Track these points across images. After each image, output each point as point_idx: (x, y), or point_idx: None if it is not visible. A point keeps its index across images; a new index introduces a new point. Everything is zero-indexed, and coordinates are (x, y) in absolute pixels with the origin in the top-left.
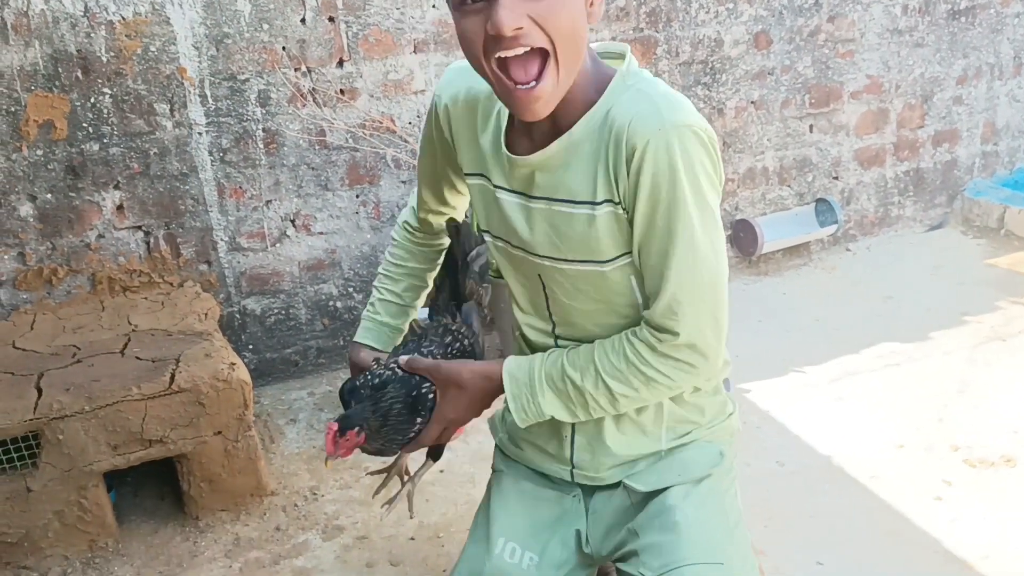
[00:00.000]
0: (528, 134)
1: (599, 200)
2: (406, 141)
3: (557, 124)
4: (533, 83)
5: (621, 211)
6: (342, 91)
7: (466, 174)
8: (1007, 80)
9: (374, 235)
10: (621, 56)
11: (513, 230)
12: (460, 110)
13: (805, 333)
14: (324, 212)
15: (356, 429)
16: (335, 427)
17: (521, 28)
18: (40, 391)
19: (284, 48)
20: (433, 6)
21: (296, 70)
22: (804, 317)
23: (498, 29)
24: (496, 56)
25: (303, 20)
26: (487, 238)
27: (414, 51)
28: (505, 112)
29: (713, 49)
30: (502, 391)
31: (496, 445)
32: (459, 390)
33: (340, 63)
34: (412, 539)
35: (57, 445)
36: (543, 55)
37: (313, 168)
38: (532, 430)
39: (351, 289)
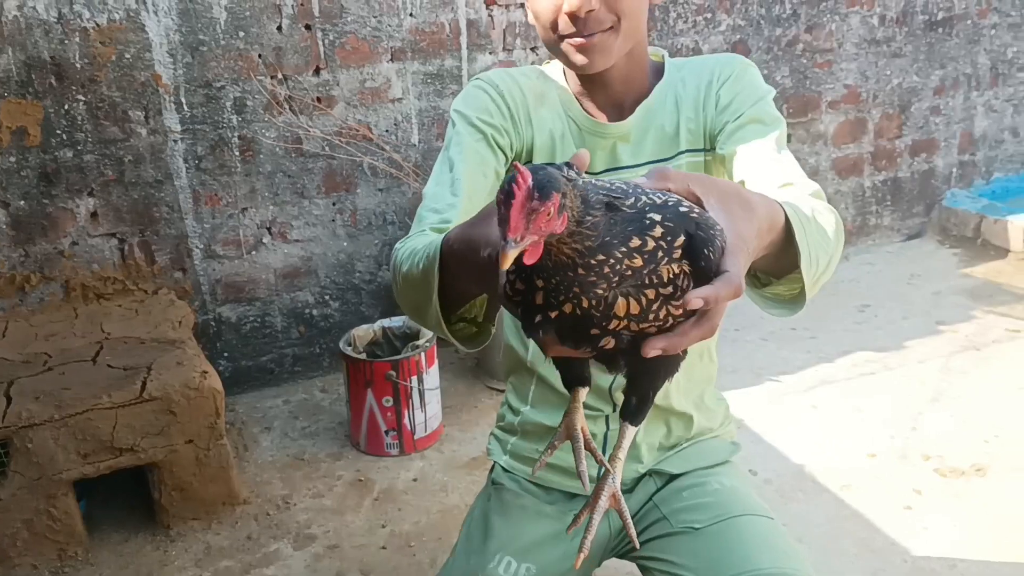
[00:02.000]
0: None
1: (681, 149)
2: (383, 149)
3: (624, 106)
4: (592, 35)
5: (703, 156)
6: (318, 99)
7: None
8: (984, 90)
9: (351, 243)
10: (657, 55)
11: None
12: (523, 94)
13: (781, 342)
14: (300, 220)
15: (560, 196)
16: (530, 179)
17: (593, 8)
18: (9, 399)
19: (260, 56)
20: (411, 15)
21: (272, 78)
22: (780, 325)
23: (573, 8)
24: (562, 34)
25: (279, 28)
26: None
27: (391, 59)
28: (566, 104)
29: None
30: (780, 226)
31: (496, 461)
32: (745, 207)
33: (317, 71)
34: (383, 548)
35: (26, 454)
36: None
37: (289, 176)
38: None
39: (327, 297)
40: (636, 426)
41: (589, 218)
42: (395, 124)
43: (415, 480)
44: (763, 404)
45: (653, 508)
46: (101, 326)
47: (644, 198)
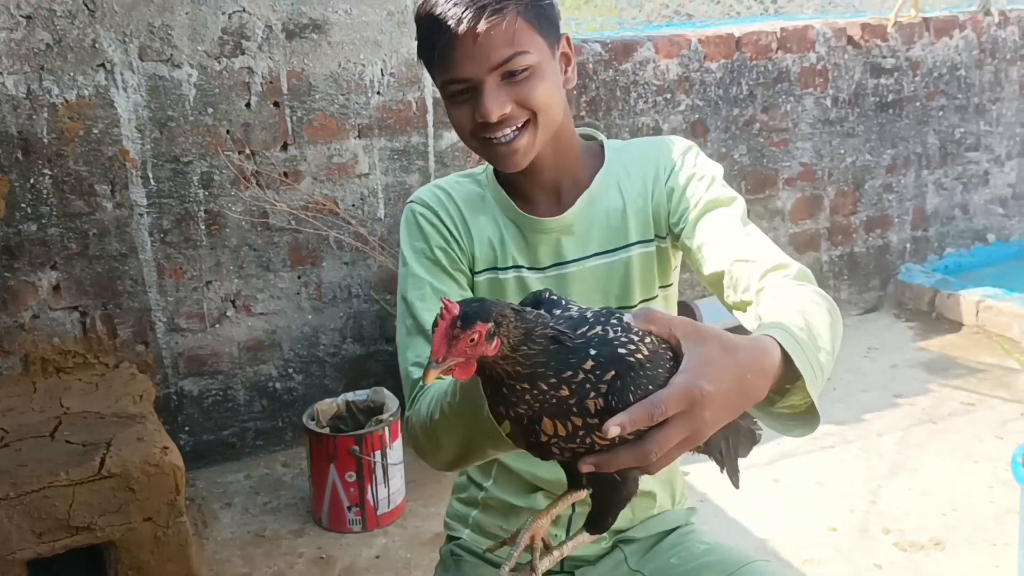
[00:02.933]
0: (536, 214)
1: (632, 241)
2: (349, 223)
3: (561, 192)
4: (512, 135)
5: (655, 245)
6: (286, 174)
7: (476, 272)
8: (934, 169)
9: (315, 316)
10: (594, 137)
11: None
12: (458, 206)
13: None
14: (265, 293)
15: (491, 325)
16: (455, 310)
17: (506, 113)
18: None
19: (228, 131)
20: (378, 93)
21: (240, 153)
22: None
23: (486, 117)
24: (482, 137)
25: (248, 105)
26: None
27: (358, 136)
28: (503, 205)
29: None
30: (775, 369)
31: (453, 537)
32: (726, 351)
33: (284, 147)
34: None
35: None
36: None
37: (255, 249)
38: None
39: (291, 370)
40: (592, 535)
41: (524, 348)
42: (361, 199)
43: (377, 557)
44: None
45: None
46: (60, 400)
47: (599, 328)
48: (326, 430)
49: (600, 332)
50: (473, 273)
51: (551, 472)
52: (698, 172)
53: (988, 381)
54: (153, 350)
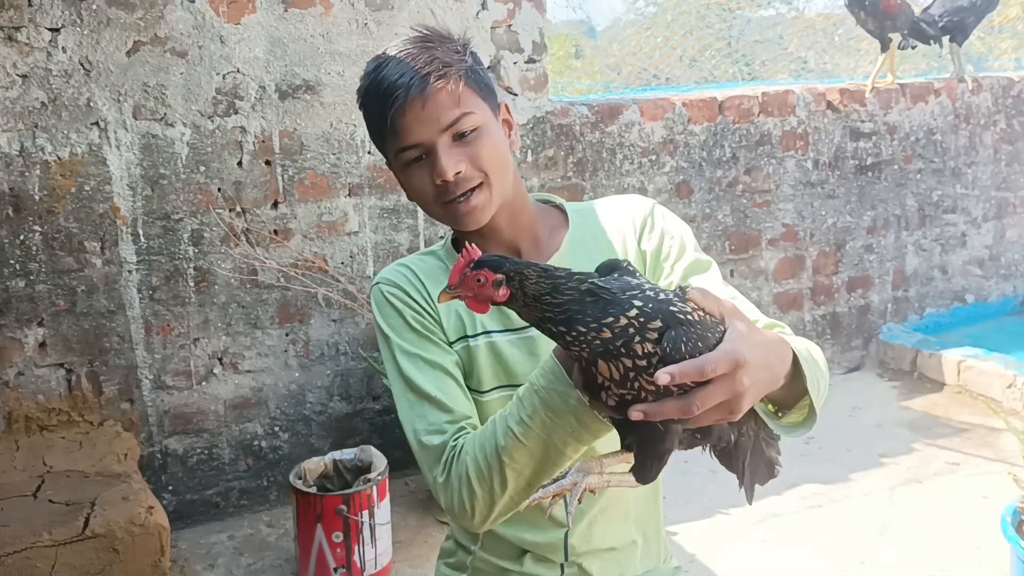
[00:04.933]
0: None
1: None
2: (338, 280)
3: (524, 257)
4: (469, 195)
5: None
6: (276, 231)
7: (450, 343)
8: (913, 231)
9: (303, 373)
10: (551, 201)
11: (513, 372)
12: (422, 281)
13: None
14: (252, 350)
15: (502, 277)
16: (478, 253)
17: (460, 172)
18: None
19: (220, 189)
20: (368, 152)
21: (231, 211)
22: None
23: (443, 175)
24: (443, 201)
25: (240, 163)
26: (479, 398)
27: (349, 194)
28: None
29: None
30: (789, 359)
31: None
32: (755, 331)
33: (275, 204)
34: None
35: None
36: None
37: (243, 306)
38: None
39: (277, 428)
40: (637, 483)
41: (548, 298)
42: (351, 256)
43: None
44: (714, 537)
45: None
46: (43, 459)
47: (647, 292)
48: (313, 489)
49: (651, 294)
50: (448, 344)
51: (538, 535)
52: (668, 231)
53: (972, 441)
54: (138, 408)
